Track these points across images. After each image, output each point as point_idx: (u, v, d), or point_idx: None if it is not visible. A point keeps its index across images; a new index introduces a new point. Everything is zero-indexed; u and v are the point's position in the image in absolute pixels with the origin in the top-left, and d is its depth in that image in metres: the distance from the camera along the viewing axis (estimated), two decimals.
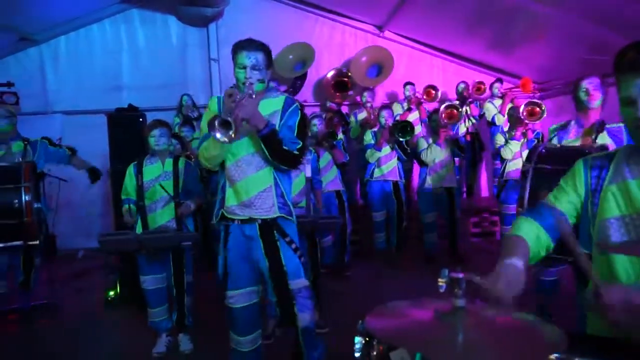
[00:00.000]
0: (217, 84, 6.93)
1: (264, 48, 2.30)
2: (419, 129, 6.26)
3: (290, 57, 6.68)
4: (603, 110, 2.92)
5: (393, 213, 5.40)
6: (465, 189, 6.74)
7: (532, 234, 1.49)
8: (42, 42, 6.63)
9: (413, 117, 6.34)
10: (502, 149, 4.96)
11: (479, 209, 6.75)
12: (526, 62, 6.37)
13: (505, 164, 5.05)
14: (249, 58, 2.25)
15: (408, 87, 6.41)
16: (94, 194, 6.49)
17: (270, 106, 2.35)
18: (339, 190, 5.05)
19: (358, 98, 6.77)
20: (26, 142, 3.92)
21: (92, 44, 6.80)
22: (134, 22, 6.88)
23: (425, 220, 5.46)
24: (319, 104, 7.03)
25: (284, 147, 2.24)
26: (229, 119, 2.05)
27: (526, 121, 4.84)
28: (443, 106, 5.46)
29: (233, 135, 2.07)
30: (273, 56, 2.44)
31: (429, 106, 6.40)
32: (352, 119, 6.61)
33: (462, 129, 6.32)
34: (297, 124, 2.34)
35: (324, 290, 3.83)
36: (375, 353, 1.22)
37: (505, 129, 5.23)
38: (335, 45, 7.16)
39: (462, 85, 6.52)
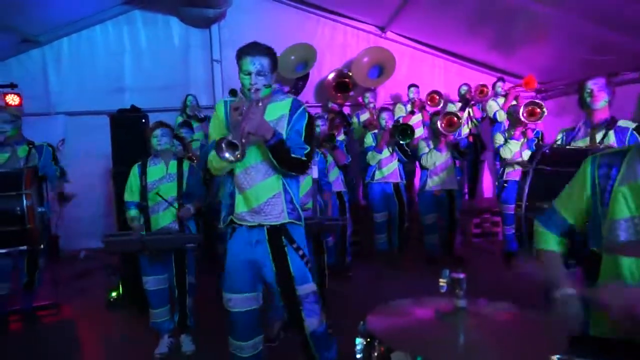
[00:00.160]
0: (220, 85, 6.94)
1: (268, 52, 2.29)
2: (421, 131, 6.24)
3: (292, 57, 6.69)
4: (610, 110, 2.90)
5: (394, 214, 5.40)
6: (467, 190, 6.73)
7: (555, 242, 1.63)
8: (45, 43, 6.65)
9: (416, 119, 6.31)
10: (501, 149, 4.95)
11: (480, 210, 6.74)
12: (528, 62, 6.36)
13: (505, 165, 5.04)
14: (253, 64, 2.24)
15: (412, 89, 6.37)
16: (96, 195, 6.52)
17: (277, 110, 2.35)
18: (341, 191, 5.06)
19: (360, 99, 6.77)
20: (31, 146, 3.91)
21: (94, 45, 6.81)
22: (137, 24, 6.89)
23: (426, 222, 5.45)
24: (320, 104, 7.04)
25: (292, 155, 2.24)
26: (236, 141, 2.07)
27: (525, 121, 4.82)
28: (441, 114, 5.40)
29: (239, 156, 2.08)
30: None
31: (432, 110, 6.38)
32: (355, 120, 6.60)
33: (465, 130, 6.30)
34: (304, 127, 2.34)
35: (324, 290, 3.83)
36: (376, 354, 1.22)
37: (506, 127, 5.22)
38: (337, 46, 7.16)
39: (464, 88, 6.49)
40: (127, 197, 3.38)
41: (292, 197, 2.38)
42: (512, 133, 4.92)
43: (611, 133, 2.79)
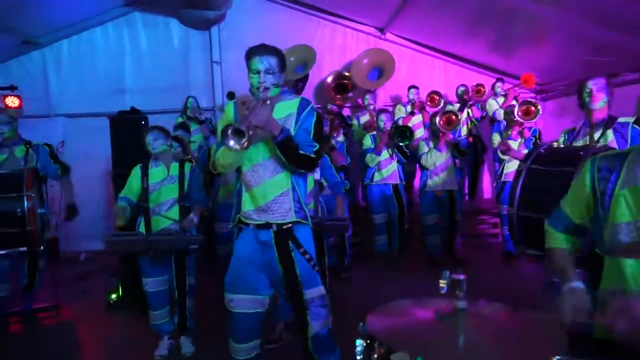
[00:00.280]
0: (219, 86, 6.94)
1: (276, 52, 2.30)
2: (421, 132, 6.25)
3: (292, 59, 6.68)
4: (610, 111, 2.90)
5: (394, 216, 5.40)
6: (467, 191, 6.73)
7: (564, 240, 1.64)
8: (45, 45, 6.66)
9: (416, 120, 6.32)
10: (499, 149, 4.96)
11: (480, 211, 6.75)
12: (527, 63, 6.36)
13: (504, 165, 5.04)
14: (261, 62, 2.24)
15: (412, 90, 6.37)
16: (96, 197, 6.52)
17: (286, 109, 2.35)
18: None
19: (360, 101, 6.77)
20: (28, 146, 3.90)
21: (94, 47, 6.82)
22: (137, 25, 6.90)
23: (427, 223, 5.45)
24: (320, 106, 7.03)
25: (301, 152, 2.23)
26: (242, 127, 2.05)
27: (521, 121, 4.83)
28: (440, 113, 5.42)
29: (246, 144, 2.06)
30: None
31: (433, 111, 6.39)
32: (355, 121, 6.60)
33: (464, 131, 6.31)
34: (313, 125, 2.33)
35: None
36: (376, 355, 1.21)
37: None
38: (337, 47, 7.17)
39: (462, 89, 6.49)
40: (123, 193, 3.34)
41: (299, 196, 2.37)
42: (509, 133, 4.94)
43: (609, 132, 2.79)
